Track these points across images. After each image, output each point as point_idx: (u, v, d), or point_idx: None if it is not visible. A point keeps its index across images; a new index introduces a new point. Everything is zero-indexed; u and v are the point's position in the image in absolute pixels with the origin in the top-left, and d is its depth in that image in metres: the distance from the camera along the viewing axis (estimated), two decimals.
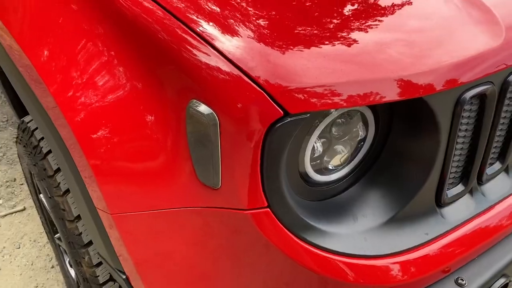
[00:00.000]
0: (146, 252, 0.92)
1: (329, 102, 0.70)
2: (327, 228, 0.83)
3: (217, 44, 0.72)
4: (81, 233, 1.13)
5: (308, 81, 0.69)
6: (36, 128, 1.23)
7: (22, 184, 2.23)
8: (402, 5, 0.83)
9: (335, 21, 0.78)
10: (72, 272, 1.62)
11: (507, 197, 0.99)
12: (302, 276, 0.81)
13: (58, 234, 1.62)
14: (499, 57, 0.79)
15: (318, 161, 0.82)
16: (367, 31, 0.76)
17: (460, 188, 0.92)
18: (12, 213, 2.09)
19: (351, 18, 0.79)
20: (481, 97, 0.83)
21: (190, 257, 0.89)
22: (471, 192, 0.95)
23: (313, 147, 0.79)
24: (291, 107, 0.69)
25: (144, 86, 0.81)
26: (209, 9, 0.77)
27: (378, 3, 0.82)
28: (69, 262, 1.62)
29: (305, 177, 0.82)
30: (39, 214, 1.72)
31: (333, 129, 0.80)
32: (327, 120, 0.77)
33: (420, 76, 0.72)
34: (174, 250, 0.90)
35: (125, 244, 0.91)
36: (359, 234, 0.84)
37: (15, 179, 2.26)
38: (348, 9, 0.81)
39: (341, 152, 0.84)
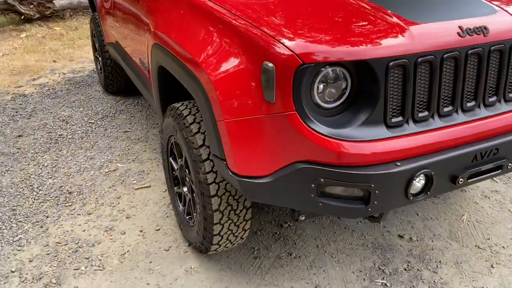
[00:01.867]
0: (239, 141, 1.84)
1: (322, 58, 1.64)
2: (329, 127, 1.71)
3: (275, 35, 1.71)
4: (201, 154, 2.09)
5: (312, 49, 1.64)
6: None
7: (148, 173, 3.29)
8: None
9: (331, 19, 1.76)
10: (180, 208, 2.55)
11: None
12: (307, 144, 1.69)
13: (176, 187, 2.59)
14: (405, 47, 1.70)
15: (321, 95, 1.73)
16: (350, 27, 1.72)
17: (399, 118, 1.77)
18: (142, 187, 3.12)
19: (339, 20, 1.77)
20: (402, 66, 1.71)
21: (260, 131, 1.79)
22: (408, 122, 1.79)
23: (317, 87, 1.71)
24: (305, 59, 1.63)
25: (245, 62, 1.79)
26: (267, 18, 1.79)
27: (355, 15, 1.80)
28: (182, 199, 2.56)
29: (317, 104, 1.73)
30: (165, 175, 2.71)
31: (328, 77, 1.72)
32: (323, 71, 1.69)
33: (367, 49, 1.65)
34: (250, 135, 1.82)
35: (229, 139, 1.84)
36: (345, 130, 1.71)
37: (143, 171, 3.33)
38: (339, 15, 1.78)
39: (333, 92, 1.74)
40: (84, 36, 7.25)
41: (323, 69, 1.69)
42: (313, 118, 1.71)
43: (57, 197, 3.02)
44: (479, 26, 1.84)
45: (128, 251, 2.54)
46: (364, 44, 1.68)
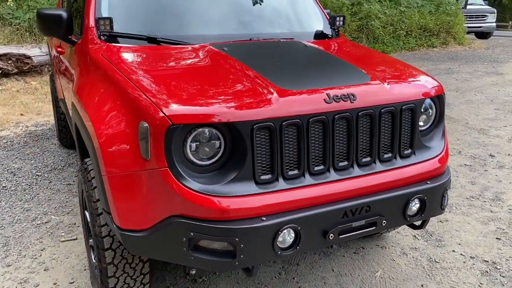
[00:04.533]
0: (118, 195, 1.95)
1: (190, 120, 1.79)
2: (201, 183, 1.83)
3: (154, 99, 1.87)
4: (97, 207, 2.19)
5: (181, 112, 1.80)
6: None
7: (79, 226, 3.36)
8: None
9: (211, 84, 1.94)
10: (92, 260, 2.62)
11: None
12: (178, 200, 1.81)
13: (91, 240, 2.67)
14: (269, 112, 1.86)
15: (195, 153, 1.87)
16: (223, 92, 1.89)
17: (268, 176, 1.90)
18: (68, 240, 3.18)
19: (217, 86, 1.94)
20: (267, 128, 1.86)
21: (135, 195, 1.91)
22: (278, 179, 1.92)
23: (190, 145, 1.85)
24: (174, 120, 1.78)
25: (127, 122, 1.95)
26: (155, 85, 1.96)
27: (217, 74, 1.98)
28: (93, 250, 2.62)
29: (189, 160, 1.86)
30: (82, 227, 2.79)
31: (201, 137, 1.86)
32: (195, 131, 1.84)
33: (233, 112, 1.81)
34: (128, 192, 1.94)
35: (111, 193, 1.96)
36: (210, 187, 1.84)
37: (75, 223, 3.40)
38: (219, 82, 1.96)
39: (207, 151, 1.88)
40: None
41: (196, 129, 1.84)
42: (185, 175, 1.83)
43: None
44: (347, 94, 2.02)
45: None
46: (231, 108, 1.84)
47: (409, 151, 2.23)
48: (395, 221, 2.15)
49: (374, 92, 2.10)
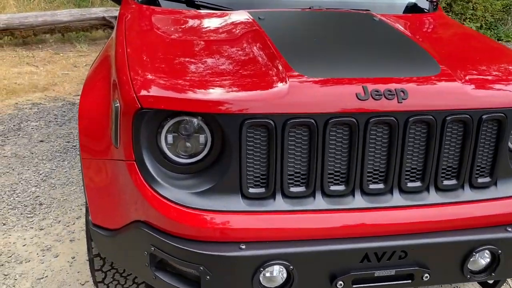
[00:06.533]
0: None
1: (162, 105, 1.37)
2: (174, 186, 1.43)
3: (133, 75, 1.49)
4: None
5: (155, 93, 1.39)
6: None
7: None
8: None
9: (214, 63, 1.49)
10: None
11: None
12: (144, 205, 1.42)
13: None
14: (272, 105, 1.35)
15: (171, 147, 1.45)
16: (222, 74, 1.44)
17: (260, 190, 1.41)
18: None
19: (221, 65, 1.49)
20: (264, 126, 1.37)
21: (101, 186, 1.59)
22: (274, 196, 1.42)
23: (166, 136, 1.44)
24: (144, 103, 1.38)
25: (106, 100, 1.60)
26: (146, 58, 1.57)
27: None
28: None
29: (165, 155, 1.46)
30: None
31: (180, 129, 1.44)
32: (173, 120, 1.42)
33: (215, 100, 1.35)
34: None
35: (85, 181, 1.65)
36: (185, 194, 1.42)
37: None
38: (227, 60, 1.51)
39: (188, 147, 1.46)
40: None
41: (174, 117, 1.42)
42: (155, 173, 1.44)
43: (26, 206, 3.08)
44: (394, 89, 1.41)
45: (46, 276, 2.45)
46: (218, 95, 1.38)
47: (487, 179, 1.54)
48: (445, 276, 1.52)
49: (438, 90, 1.46)
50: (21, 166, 3.65)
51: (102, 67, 1.89)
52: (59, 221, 2.93)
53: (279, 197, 1.43)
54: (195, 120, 1.43)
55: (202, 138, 1.45)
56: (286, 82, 1.40)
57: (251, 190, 1.42)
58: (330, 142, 1.40)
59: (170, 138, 1.45)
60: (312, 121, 1.37)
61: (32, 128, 4.42)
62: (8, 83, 5.64)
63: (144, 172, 1.44)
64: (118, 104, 1.45)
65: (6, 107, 5.00)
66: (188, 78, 1.47)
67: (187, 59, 1.61)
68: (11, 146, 4.00)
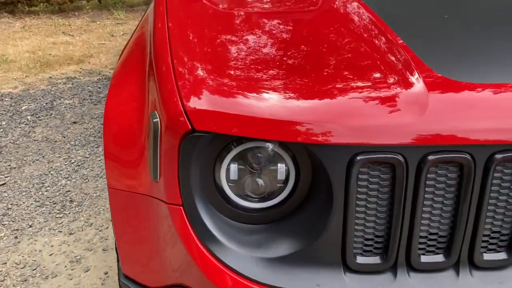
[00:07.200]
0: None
1: (225, 128, 0.87)
2: (231, 243, 0.95)
3: (178, 74, 0.99)
4: None
5: (212, 108, 0.89)
6: None
7: None
8: None
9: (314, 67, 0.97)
10: None
11: None
12: (192, 268, 0.95)
13: None
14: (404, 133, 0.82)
15: (234, 184, 0.97)
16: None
17: (375, 259, 0.91)
18: None
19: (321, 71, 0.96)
20: (390, 165, 0.85)
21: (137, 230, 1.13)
22: (395, 269, 0.91)
23: (228, 169, 0.95)
24: (196, 124, 0.89)
25: (141, 103, 1.12)
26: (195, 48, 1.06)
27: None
28: None
29: (225, 197, 0.98)
30: None
31: (249, 159, 0.95)
32: (241, 147, 0.93)
33: (302, 124, 0.83)
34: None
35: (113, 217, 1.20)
36: (253, 259, 0.93)
37: None
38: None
39: (261, 185, 0.96)
40: None
41: (240, 143, 0.93)
42: (209, 223, 0.96)
43: (55, 203, 2.71)
44: None
45: None
46: (309, 116, 0.86)
47: None
48: None
49: None
50: (52, 152, 3.29)
51: (135, 52, 1.40)
52: (91, 223, 2.54)
53: (403, 272, 0.92)
54: (269, 145, 0.93)
55: (282, 169, 0.95)
56: (423, 91, 0.85)
57: (360, 259, 0.91)
58: (493, 188, 0.87)
59: (233, 171, 0.95)
60: (467, 156, 0.84)
61: (65, 107, 4.04)
62: (43, 54, 5.30)
63: (194, 222, 0.96)
64: (158, 119, 0.96)
65: (40, 81, 4.65)
66: (267, 85, 0.94)
67: (266, 52, 1.09)
68: (42, 128, 3.64)
